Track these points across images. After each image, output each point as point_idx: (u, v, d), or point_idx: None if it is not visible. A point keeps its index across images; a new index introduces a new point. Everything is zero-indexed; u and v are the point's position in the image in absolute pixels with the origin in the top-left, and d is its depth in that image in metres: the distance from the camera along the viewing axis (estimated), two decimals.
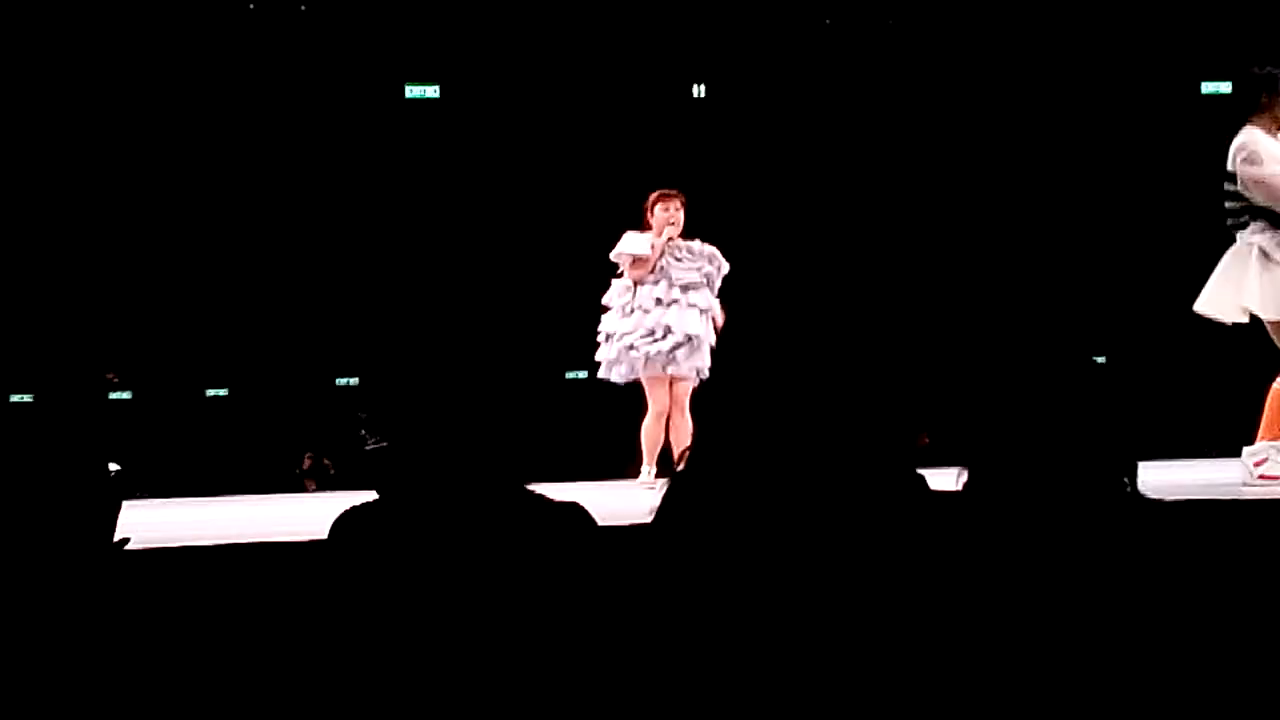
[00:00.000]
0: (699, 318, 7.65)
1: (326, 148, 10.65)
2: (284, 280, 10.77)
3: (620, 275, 7.81)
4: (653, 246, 7.75)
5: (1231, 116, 9.27)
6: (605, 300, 7.94)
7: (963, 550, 2.24)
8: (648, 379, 7.66)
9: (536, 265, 10.58)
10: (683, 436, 7.50)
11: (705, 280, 7.81)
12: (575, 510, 2.35)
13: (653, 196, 7.96)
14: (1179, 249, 8.46)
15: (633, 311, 7.73)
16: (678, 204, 7.86)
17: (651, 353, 7.59)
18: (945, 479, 2.29)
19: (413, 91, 10.71)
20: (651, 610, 2.17)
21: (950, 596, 2.20)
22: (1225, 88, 11.18)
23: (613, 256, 7.84)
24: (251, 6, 10.33)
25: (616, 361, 7.76)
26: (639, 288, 7.77)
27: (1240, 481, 6.26)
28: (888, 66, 10.90)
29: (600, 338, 7.87)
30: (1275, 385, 6.11)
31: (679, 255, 7.78)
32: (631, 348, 7.65)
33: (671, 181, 8.40)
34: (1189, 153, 10.88)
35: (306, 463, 10.93)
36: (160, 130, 10.48)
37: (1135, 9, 10.95)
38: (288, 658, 2.30)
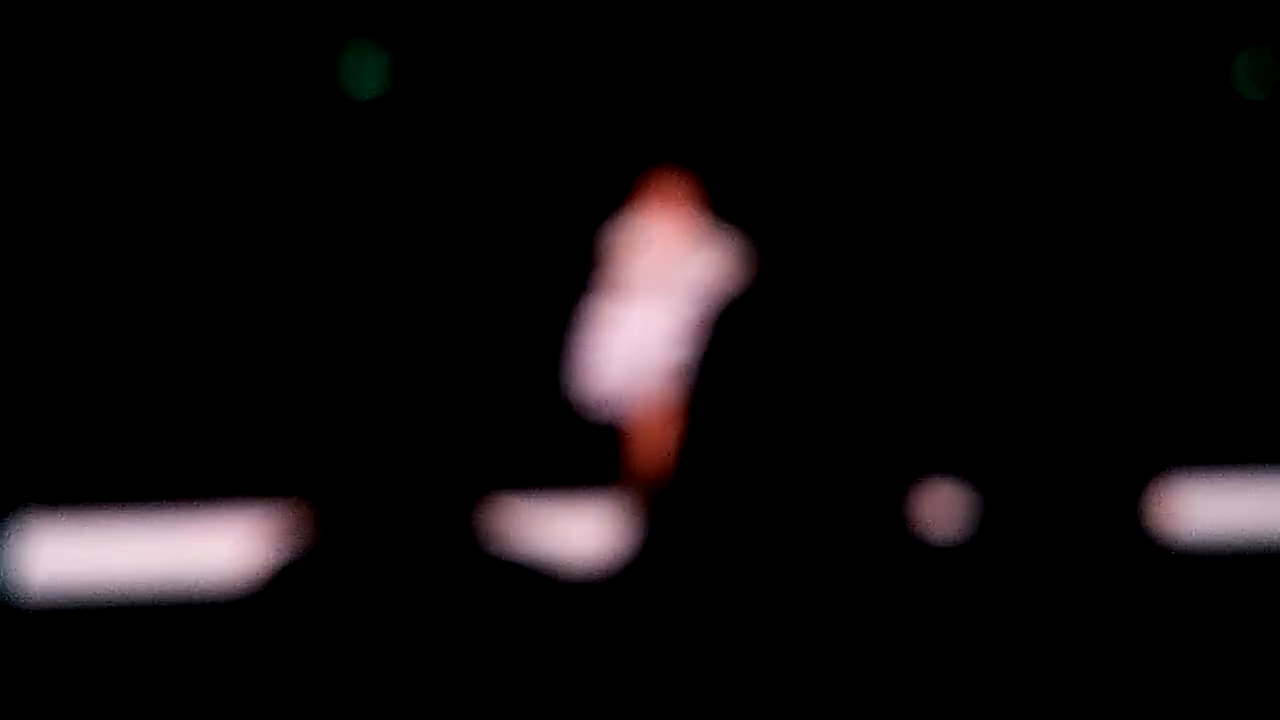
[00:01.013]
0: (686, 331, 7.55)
1: (281, 157, 10.56)
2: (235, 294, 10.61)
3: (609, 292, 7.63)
4: (634, 260, 7.63)
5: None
6: (588, 316, 7.74)
7: (966, 592, 2.14)
8: (639, 401, 7.49)
9: (487, 279, 10.46)
10: None
11: (695, 284, 7.62)
12: (531, 539, 2.28)
13: (641, 182, 7.81)
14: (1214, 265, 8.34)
15: (614, 328, 7.56)
16: (666, 208, 7.73)
17: (643, 377, 7.42)
18: (947, 515, 2.19)
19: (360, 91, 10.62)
20: (621, 647, 2.08)
21: (951, 639, 2.10)
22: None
23: (594, 278, 7.69)
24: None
25: (611, 388, 7.59)
26: (624, 303, 7.64)
27: None
28: (864, 80, 10.82)
29: (595, 361, 7.68)
30: None
31: (661, 262, 7.64)
32: (621, 370, 7.47)
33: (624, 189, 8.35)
34: (1216, 157, 10.80)
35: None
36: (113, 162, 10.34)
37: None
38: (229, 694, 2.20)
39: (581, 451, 9.68)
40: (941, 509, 2.17)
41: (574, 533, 4.32)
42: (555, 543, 2.42)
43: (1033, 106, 10.83)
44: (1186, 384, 10.28)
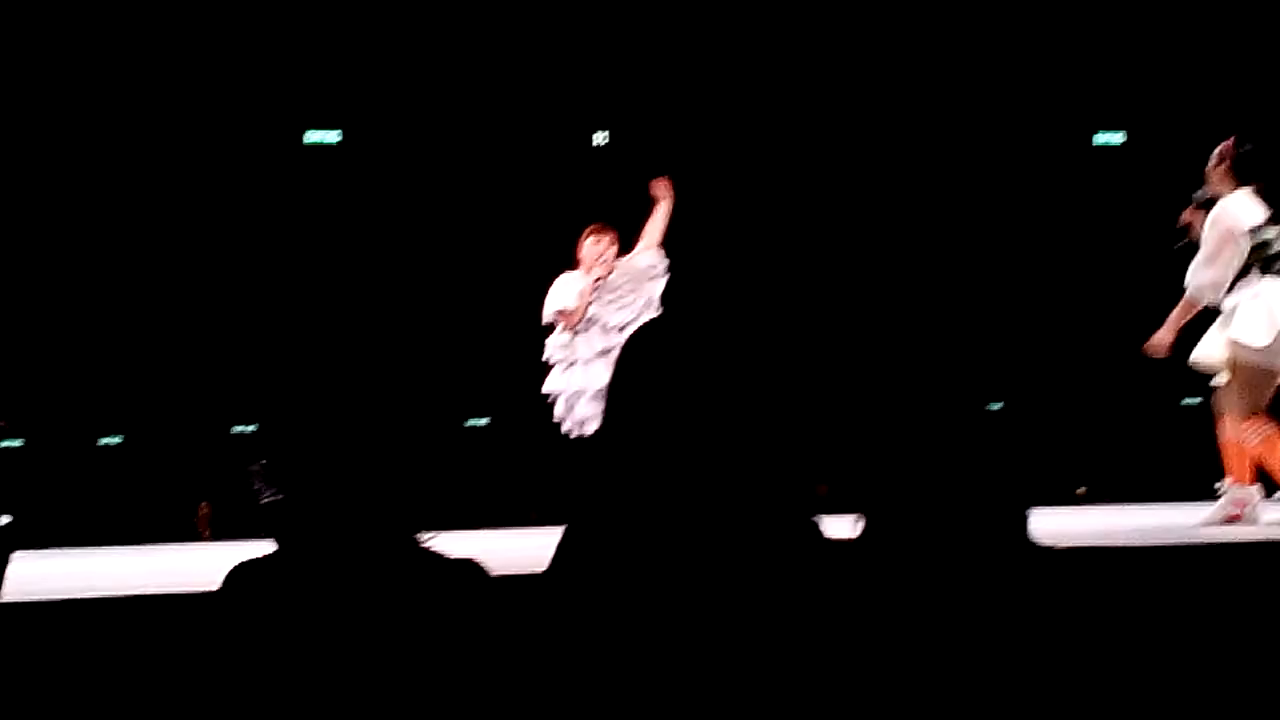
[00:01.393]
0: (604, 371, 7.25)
1: (226, 193, 10.55)
2: (179, 326, 10.64)
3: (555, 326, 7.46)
4: (580, 293, 7.37)
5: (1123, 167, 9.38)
6: (546, 356, 7.54)
7: (859, 598, 2.24)
8: None
9: (435, 313, 10.52)
10: None
11: (646, 305, 7.44)
12: (469, 566, 2.33)
13: (584, 233, 7.56)
14: (1074, 296, 8.59)
15: (572, 365, 7.40)
16: (609, 239, 7.49)
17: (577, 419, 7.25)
18: (842, 527, 2.30)
19: (312, 137, 10.64)
20: (549, 661, 2.15)
21: (846, 644, 2.20)
22: (1117, 139, 11.40)
23: (545, 320, 7.46)
24: (147, 49, 10.22)
25: (579, 423, 7.35)
26: (576, 338, 7.41)
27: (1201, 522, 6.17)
28: (791, 115, 10.99)
29: (553, 400, 7.46)
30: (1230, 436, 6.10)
31: (611, 294, 7.40)
32: (585, 406, 7.25)
33: (573, 231, 8.25)
34: (1081, 201, 11.10)
35: (202, 511, 10.78)
36: (50, 174, 10.33)
37: (1024, 62, 11.12)
38: (178, 713, 2.25)
39: (492, 493, 9.72)
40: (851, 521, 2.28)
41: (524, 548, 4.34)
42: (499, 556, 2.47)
43: (926, 158, 11.06)
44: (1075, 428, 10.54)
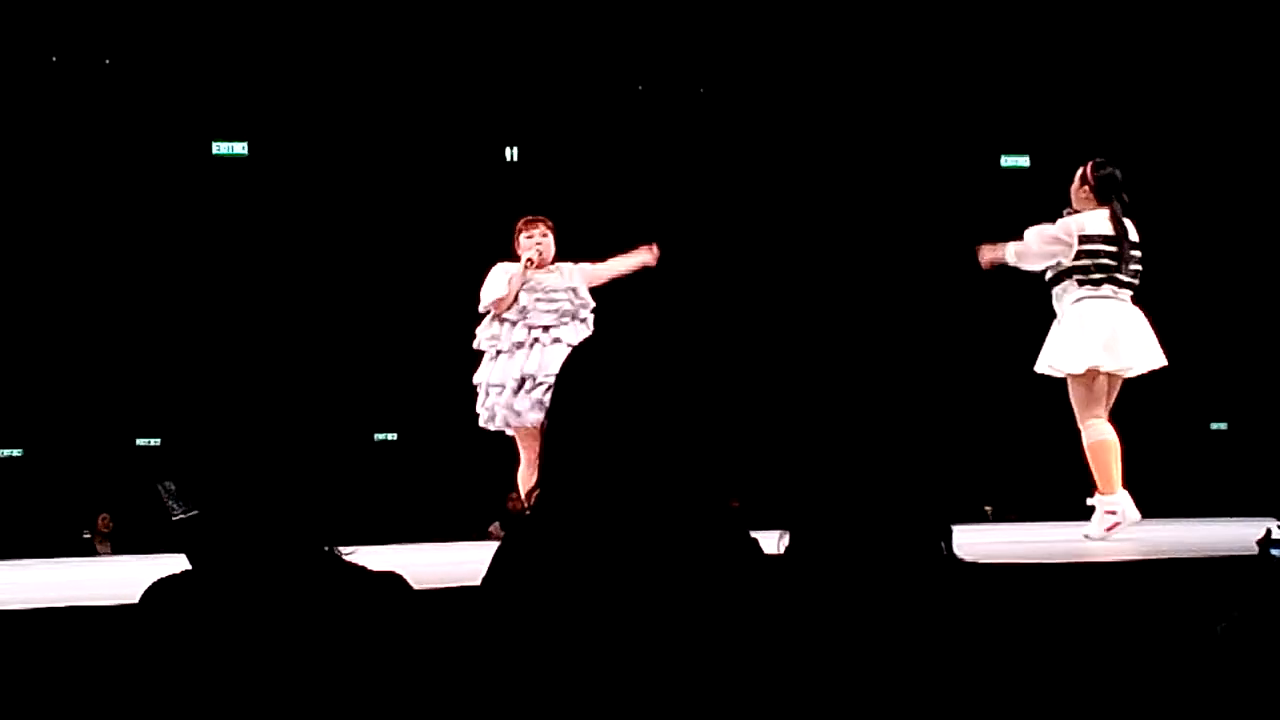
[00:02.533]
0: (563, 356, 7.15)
1: (130, 204, 10.42)
2: (81, 338, 10.49)
3: (487, 313, 7.35)
4: (511, 280, 7.31)
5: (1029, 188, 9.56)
6: (476, 343, 7.46)
7: (784, 612, 2.25)
8: (515, 429, 7.29)
9: (344, 328, 10.45)
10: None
11: (574, 313, 7.42)
12: (392, 579, 2.32)
13: (518, 223, 7.51)
14: (991, 314, 8.67)
15: (498, 355, 7.34)
16: (543, 230, 7.43)
17: (516, 406, 7.20)
18: (767, 542, 2.31)
19: (220, 148, 10.55)
20: (477, 675, 2.15)
21: (774, 657, 2.21)
22: (1024, 161, 11.57)
23: (481, 308, 7.37)
24: (54, 59, 10.10)
25: (491, 416, 7.32)
26: (503, 326, 7.35)
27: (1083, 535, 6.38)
28: (698, 132, 11.04)
29: (479, 389, 7.38)
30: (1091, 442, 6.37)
31: (540, 294, 7.34)
32: (498, 398, 7.24)
33: (482, 247, 8.18)
34: (991, 220, 11.22)
35: (101, 524, 10.59)
36: None
37: (935, 85, 11.25)
38: None
39: (403, 506, 9.65)
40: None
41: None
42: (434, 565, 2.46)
43: (836, 175, 11.15)
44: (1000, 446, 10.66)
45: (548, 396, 6.93)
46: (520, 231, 7.49)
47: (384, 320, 10.43)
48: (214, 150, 10.49)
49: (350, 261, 10.53)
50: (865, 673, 2.23)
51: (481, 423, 7.39)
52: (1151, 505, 9.63)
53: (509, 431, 7.30)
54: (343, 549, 2.35)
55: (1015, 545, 6.01)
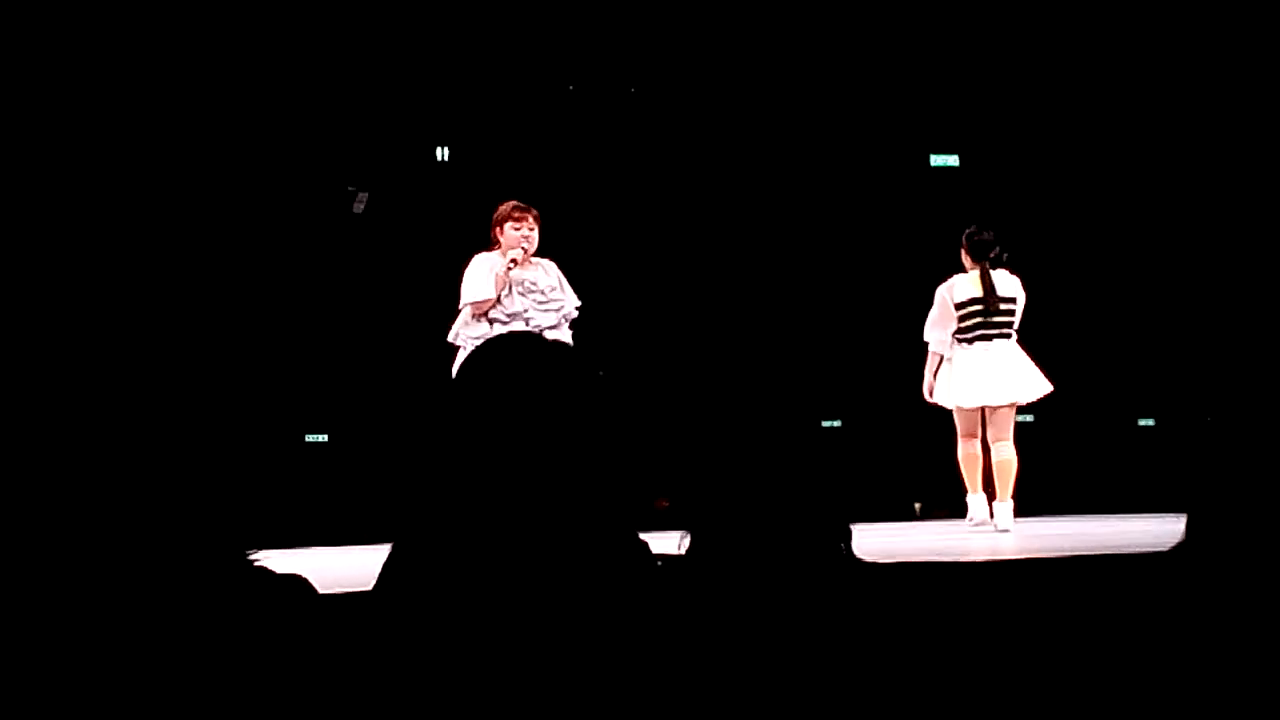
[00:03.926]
0: None
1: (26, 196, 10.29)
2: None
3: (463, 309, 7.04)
4: (497, 280, 6.95)
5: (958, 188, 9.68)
6: (451, 336, 7.09)
7: (683, 613, 2.27)
8: None
9: (281, 329, 10.38)
10: None
11: (568, 314, 7.11)
12: (295, 582, 2.31)
13: (503, 209, 7.11)
14: (904, 315, 8.73)
15: None
16: (532, 222, 7.07)
17: None
18: (668, 543, 2.32)
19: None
20: (376, 676, 2.15)
21: (671, 660, 2.22)
22: (953, 160, 11.65)
23: (461, 307, 7.04)
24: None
25: None
26: (493, 326, 6.94)
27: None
28: (630, 133, 11.05)
29: None
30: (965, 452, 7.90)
31: (538, 294, 7.02)
32: None
33: (418, 249, 8.07)
34: (917, 221, 11.31)
35: None
36: None
37: (863, 83, 11.31)
38: None
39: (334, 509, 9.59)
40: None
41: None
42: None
43: (769, 174, 11.17)
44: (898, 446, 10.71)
45: None
46: (506, 220, 7.09)
47: (317, 320, 10.38)
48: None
49: (282, 261, 10.44)
50: (766, 674, 2.25)
51: None
52: (1078, 502, 9.76)
53: None
54: (253, 552, 2.34)
55: (938, 541, 6.23)
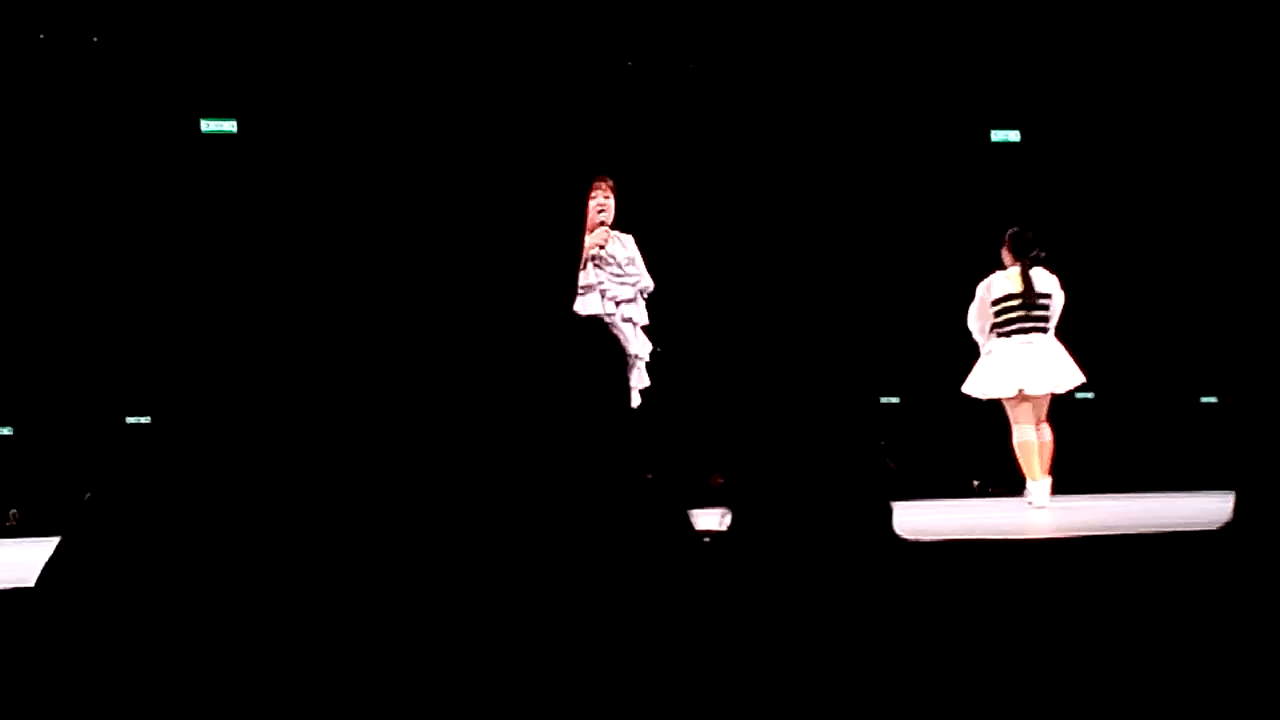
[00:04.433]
0: (636, 334, 6.80)
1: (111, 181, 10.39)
2: (70, 318, 10.39)
3: None
4: (585, 248, 6.76)
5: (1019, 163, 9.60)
6: None
7: (726, 590, 2.27)
8: None
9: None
10: None
11: (639, 293, 6.96)
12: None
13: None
14: (963, 291, 8.69)
15: None
16: (606, 190, 6.95)
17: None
18: (710, 519, 2.32)
19: (209, 127, 10.53)
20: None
21: (716, 637, 2.23)
22: (1014, 136, 11.56)
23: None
24: (41, 37, 10.07)
25: None
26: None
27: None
28: (688, 109, 11.02)
29: None
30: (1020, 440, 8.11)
31: (613, 266, 6.86)
32: None
33: (465, 220, 8.04)
34: (978, 197, 11.23)
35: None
36: None
37: (926, 59, 11.23)
38: None
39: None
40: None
41: None
42: None
43: (825, 150, 11.13)
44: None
45: (639, 376, 6.53)
46: (592, 192, 6.95)
47: (382, 294, 10.40)
48: (203, 129, 10.47)
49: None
50: (806, 650, 2.25)
51: None
52: (1140, 479, 9.71)
53: None
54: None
55: (983, 518, 6.23)
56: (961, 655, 2.27)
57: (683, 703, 2.16)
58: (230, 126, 10.46)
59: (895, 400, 11.00)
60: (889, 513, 2.34)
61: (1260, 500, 2.57)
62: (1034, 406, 7.97)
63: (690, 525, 2.27)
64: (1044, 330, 8.01)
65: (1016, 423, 8.00)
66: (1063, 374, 8.02)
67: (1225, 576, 2.54)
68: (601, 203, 7.00)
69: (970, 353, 8.45)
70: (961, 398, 8.81)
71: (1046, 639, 2.46)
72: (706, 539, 2.33)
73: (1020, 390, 7.93)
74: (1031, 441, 7.94)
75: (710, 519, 2.34)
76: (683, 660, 2.16)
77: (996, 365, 8.01)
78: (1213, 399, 11.25)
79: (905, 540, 2.34)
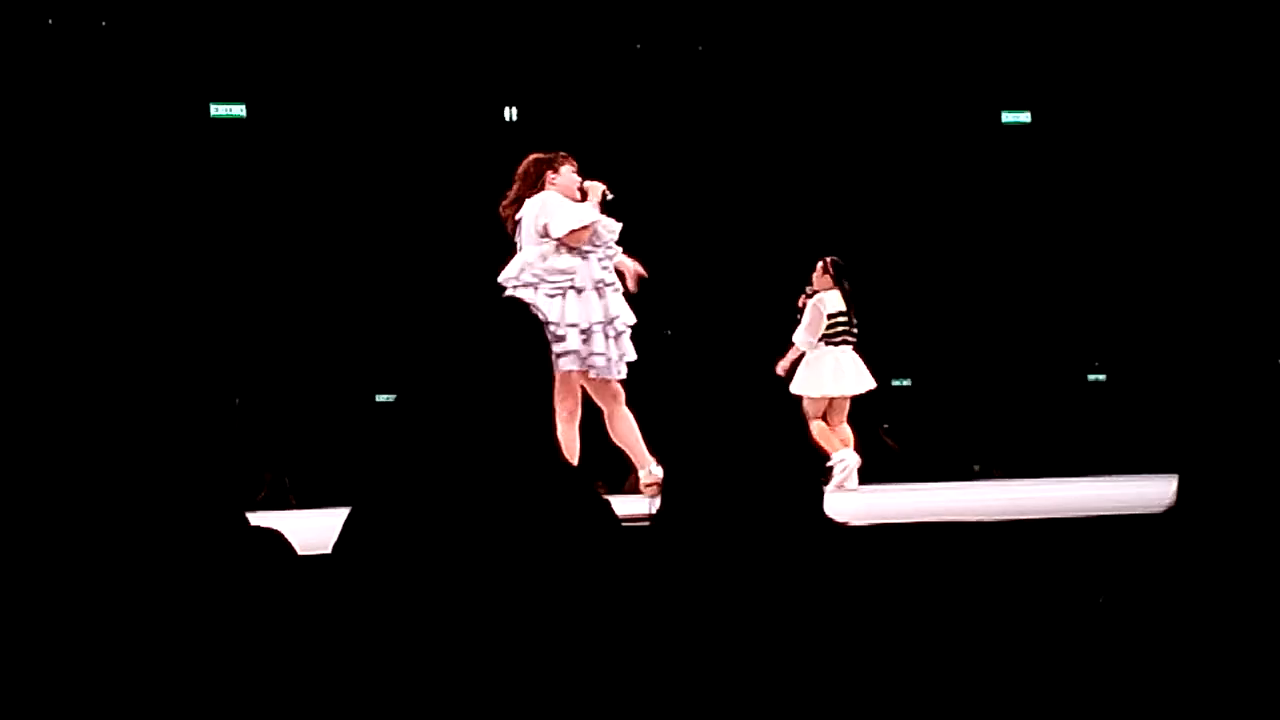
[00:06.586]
0: (624, 303, 6.80)
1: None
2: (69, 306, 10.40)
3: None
4: (593, 211, 6.63)
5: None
6: (513, 275, 6.67)
7: (655, 575, 2.27)
8: (586, 379, 6.58)
9: (343, 292, 10.43)
10: (625, 432, 6.70)
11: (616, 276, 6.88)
12: (270, 536, 2.34)
13: (548, 157, 6.82)
14: (974, 273, 8.66)
15: (569, 291, 6.61)
16: (574, 167, 6.84)
17: (608, 353, 6.59)
18: (637, 506, 2.33)
19: (218, 110, 10.56)
20: (339, 637, 2.17)
21: (646, 621, 2.23)
22: (1025, 118, 11.51)
23: (558, 236, 6.61)
24: (50, 22, 10.11)
25: (569, 354, 6.52)
26: (575, 258, 6.65)
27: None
28: (696, 91, 11.00)
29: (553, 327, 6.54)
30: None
31: (600, 247, 6.77)
32: (587, 343, 6.54)
33: (479, 206, 8.05)
34: (988, 179, 11.19)
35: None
36: None
37: (937, 40, 11.19)
38: None
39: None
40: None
41: None
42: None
43: (836, 132, 11.11)
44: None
45: (628, 346, 6.69)
46: (561, 165, 6.79)
47: (385, 283, 10.44)
48: (212, 113, 10.49)
49: (354, 220, 10.48)
50: (735, 633, 2.25)
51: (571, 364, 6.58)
52: (1032, 464, 9.70)
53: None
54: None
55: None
56: (892, 638, 2.27)
57: (608, 686, 2.17)
58: (239, 110, 10.48)
59: (907, 383, 10.97)
60: (820, 497, 2.34)
61: (1203, 484, 2.56)
62: (842, 403, 9.19)
63: (610, 510, 2.28)
64: (853, 342, 9.26)
65: (814, 418, 9.08)
66: (865, 378, 9.25)
67: (1169, 561, 2.53)
68: (581, 179, 6.92)
69: (978, 334, 8.42)
70: (967, 382, 8.81)
71: (981, 622, 2.46)
72: (633, 524, 2.34)
73: (841, 391, 9.16)
74: (825, 427, 9.10)
75: (638, 504, 2.34)
76: (607, 643, 2.17)
77: (826, 368, 9.19)
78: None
79: (835, 524, 2.34)
